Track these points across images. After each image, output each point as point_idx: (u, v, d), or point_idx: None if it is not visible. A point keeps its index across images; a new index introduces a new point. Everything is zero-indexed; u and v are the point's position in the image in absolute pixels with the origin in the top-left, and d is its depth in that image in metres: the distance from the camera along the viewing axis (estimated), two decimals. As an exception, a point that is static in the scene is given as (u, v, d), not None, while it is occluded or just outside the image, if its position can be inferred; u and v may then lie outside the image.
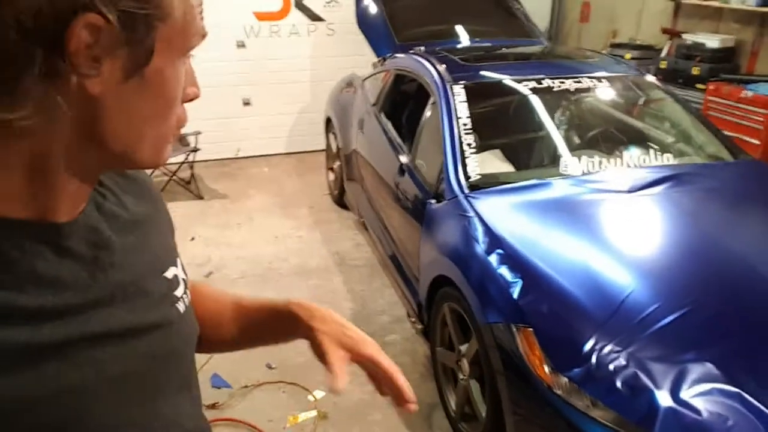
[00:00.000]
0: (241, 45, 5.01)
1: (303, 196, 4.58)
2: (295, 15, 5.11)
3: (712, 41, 4.23)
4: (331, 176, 4.48)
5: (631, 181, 2.34)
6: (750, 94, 3.83)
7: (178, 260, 0.72)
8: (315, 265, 3.55)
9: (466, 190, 2.28)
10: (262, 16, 5.01)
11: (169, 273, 0.68)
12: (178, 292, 0.69)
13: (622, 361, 1.56)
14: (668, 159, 2.58)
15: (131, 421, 0.60)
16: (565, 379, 1.59)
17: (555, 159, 2.59)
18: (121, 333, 0.58)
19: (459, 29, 4.04)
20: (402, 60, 3.42)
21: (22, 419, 0.49)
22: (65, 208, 0.55)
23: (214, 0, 4.49)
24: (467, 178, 2.34)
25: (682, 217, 2.17)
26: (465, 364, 2.11)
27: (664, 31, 4.77)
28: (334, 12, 5.17)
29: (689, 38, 4.42)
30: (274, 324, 0.84)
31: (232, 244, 3.79)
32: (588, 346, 1.60)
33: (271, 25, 5.06)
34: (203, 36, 0.54)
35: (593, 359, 1.58)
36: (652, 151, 2.64)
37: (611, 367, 1.55)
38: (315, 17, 5.17)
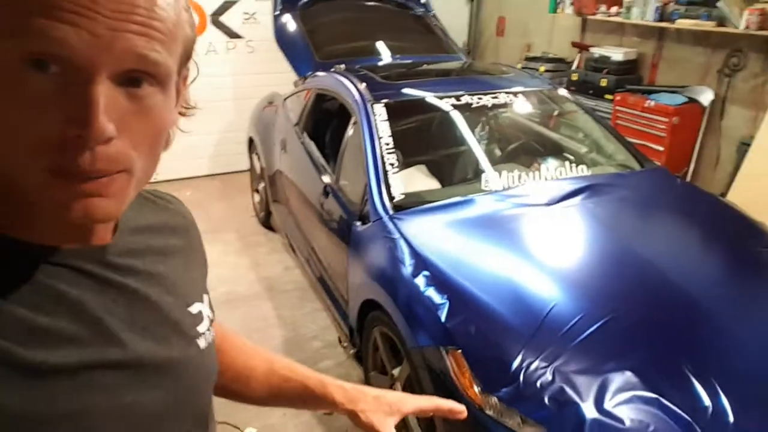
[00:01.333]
0: (155, 65, 4.82)
1: (229, 219, 4.46)
2: (212, 32, 4.98)
3: (617, 54, 4.48)
4: (257, 198, 4.38)
5: (549, 194, 2.41)
6: (653, 103, 4.07)
7: (206, 297, 0.73)
8: (244, 292, 3.45)
9: (391, 212, 2.28)
10: (176, 35, 4.85)
11: (194, 308, 0.69)
12: (201, 328, 0.69)
13: (548, 377, 1.59)
14: (583, 170, 2.68)
15: None
16: (495, 399, 1.60)
17: (477, 175, 2.63)
18: (138, 363, 0.58)
19: (380, 46, 4.06)
20: (322, 79, 3.40)
21: None
22: (82, 233, 0.56)
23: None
24: (391, 198, 2.34)
25: (599, 227, 2.26)
26: (398, 387, 2.10)
27: (574, 44, 5.01)
28: (253, 29, 5.09)
29: (596, 51, 4.65)
30: (307, 398, 0.88)
31: (154, 274, 3.63)
32: (516, 364, 1.63)
33: (187, 44, 4.91)
34: (51, 42, 0.44)
35: (521, 377, 1.60)
36: (567, 163, 2.74)
37: (539, 383, 1.58)
38: (233, 34, 5.07)
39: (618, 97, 4.33)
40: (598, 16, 4.61)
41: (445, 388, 1.74)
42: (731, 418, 1.51)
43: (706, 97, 4.06)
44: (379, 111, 2.67)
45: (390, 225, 2.21)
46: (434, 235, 2.15)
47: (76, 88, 0.45)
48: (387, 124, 2.62)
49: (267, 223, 4.19)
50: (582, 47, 4.93)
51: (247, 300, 3.37)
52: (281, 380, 0.88)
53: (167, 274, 0.65)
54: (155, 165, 0.55)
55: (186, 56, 0.56)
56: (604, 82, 4.51)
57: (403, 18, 4.31)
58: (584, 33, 5.07)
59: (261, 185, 4.19)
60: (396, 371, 2.10)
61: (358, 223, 2.41)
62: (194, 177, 5.26)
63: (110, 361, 0.55)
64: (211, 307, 0.74)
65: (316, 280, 3.08)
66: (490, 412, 1.60)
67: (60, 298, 0.53)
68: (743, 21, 3.55)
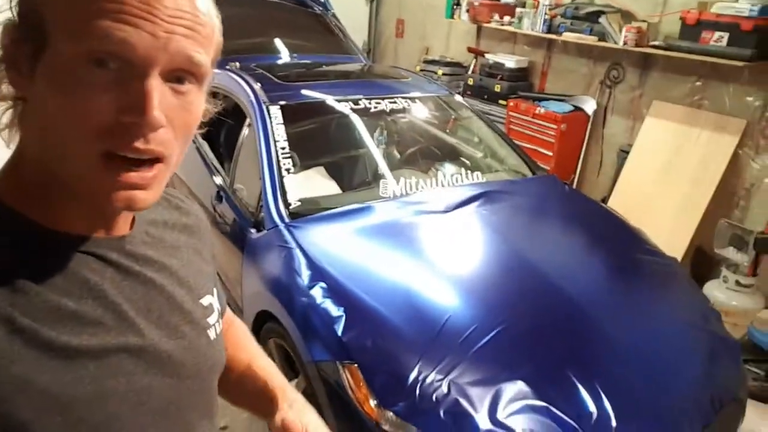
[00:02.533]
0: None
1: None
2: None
3: (510, 61, 4.64)
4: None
5: (446, 201, 2.44)
6: (543, 110, 4.26)
7: (215, 290, 0.76)
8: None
9: (287, 219, 2.20)
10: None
11: (205, 300, 0.72)
12: (211, 319, 0.72)
13: (444, 390, 1.59)
14: (478, 176, 2.73)
15: None
16: (392, 414, 1.59)
17: (375, 179, 2.62)
18: (154, 350, 0.61)
19: (277, 43, 3.93)
20: (216, 76, 3.22)
21: (59, 419, 0.51)
22: (106, 224, 0.60)
23: None
24: (287, 206, 2.26)
25: (493, 235, 2.31)
26: (294, 401, 2.03)
27: (470, 50, 5.14)
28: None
29: (491, 58, 4.80)
30: (257, 400, 0.89)
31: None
32: (412, 377, 1.62)
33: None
34: (115, 42, 0.50)
35: (417, 391, 1.59)
36: (463, 169, 2.79)
37: (434, 397, 1.58)
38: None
39: (511, 103, 4.49)
40: (492, 24, 4.76)
41: (341, 402, 1.70)
42: (614, 422, 1.59)
43: (590, 106, 4.31)
44: (275, 113, 2.57)
45: (286, 233, 2.13)
46: (331, 244, 2.10)
47: (133, 82, 0.51)
48: (283, 127, 2.53)
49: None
50: (477, 53, 5.07)
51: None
52: (252, 377, 0.89)
53: (179, 268, 0.68)
54: (182, 157, 0.59)
55: (216, 60, 0.61)
56: (498, 88, 4.66)
57: (301, 16, 4.21)
58: (479, 39, 5.23)
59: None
60: (292, 384, 2.03)
61: (253, 231, 2.30)
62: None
63: (129, 346, 0.58)
64: (220, 300, 0.77)
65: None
66: (386, 427, 1.58)
67: (85, 284, 0.57)
68: (622, 37, 3.80)
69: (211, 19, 0.57)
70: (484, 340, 1.73)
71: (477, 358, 1.69)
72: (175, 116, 0.55)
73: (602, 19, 3.95)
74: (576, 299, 1.98)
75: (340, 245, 2.11)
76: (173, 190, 0.80)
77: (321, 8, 4.23)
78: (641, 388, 1.72)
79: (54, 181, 0.55)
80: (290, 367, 2.07)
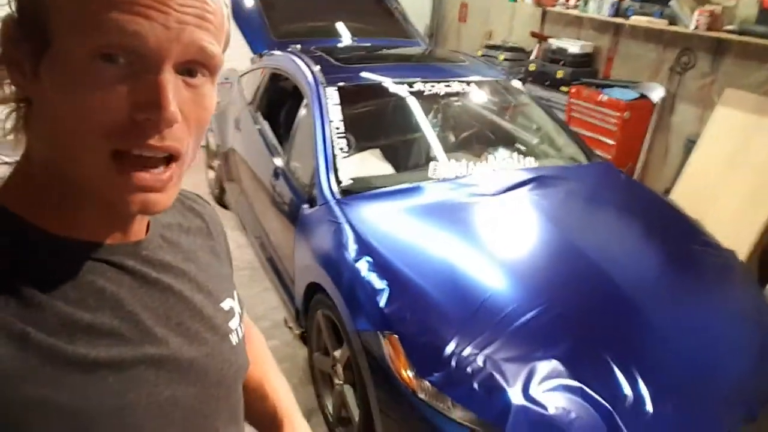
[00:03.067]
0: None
1: (182, 195, 4.37)
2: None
3: (574, 47, 4.54)
4: (212, 174, 4.32)
5: (497, 184, 2.45)
6: (606, 98, 4.15)
7: (235, 293, 0.74)
8: (192, 270, 3.40)
9: (338, 196, 2.29)
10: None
11: (225, 304, 0.69)
12: (233, 324, 0.70)
13: (479, 364, 1.63)
14: (531, 161, 2.73)
15: None
16: (428, 383, 1.65)
17: (428, 161, 2.65)
18: (174, 359, 0.59)
19: (339, 27, 4.02)
20: (277, 58, 3.35)
21: None
22: (121, 228, 0.58)
23: None
24: (339, 183, 2.34)
25: (542, 219, 2.31)
26: (339, 369, 2.13)
27: (533, 34, 5.05)
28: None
29: (554, 43, 4.71)
30: (262, 420, 0.86)
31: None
32: (449, 350, 1.67)
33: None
34: (127, 35, 0.47)
35: (453, 363, 1.64)
36: (516, 154, 2.79)
37: (469, 369, 1.62)
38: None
39: (573, 90, 4.40)
40: (557, 8, 4.66)
41: (381, 370, 1.78)
42: (649, 406, 1.58)
43: (657, 93, 4.17)
44: (331, 94, 2.65)
45: (336, 209, 2.22)
46: (379, 221, 2.17)
47: (145, 77, 0.49)
48: (339, 108, 2.61)
49: (221, 200, 4.13)
50: (541, 38, 4.98)
51: (196, 279, 3.32)
52: (262, 397, 0.86)
53: (197, 272, 0.66)
54: (196, 154, 0.57)
55: (226, 50, 0.58)
56: (560, 74, 4.57)
57: (362, 0, 4.28)
58: (544, 23, 5.13)
59: (216, 162, 4.13)
60: (337, 353, 2.13)
61: (306, 206, 2.40)
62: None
63: (149, 356, 0.56)
64: (240, 303, 0.75)
65: (265, 260, 3.07)
66: (422, 396, 1.64)
67: (101, 293, 0.54)
68: (693, 21, 3.65)
69: (220, 7, 0.54)
70: (523, 320, 1.76)
71: (514, 336, 1.72)
72: (188, 111, 0.52)
73: (673, 2, 3.80)
74: (622, 285, 1.97)
75: (387, 222, 2.17)
76: (187, 191, 0.76)
77: (383, -8, 4.29)
78: (682, 375, 1.70)
79: (65, 186, 0.53)
80: (336, 337, 2.16)
